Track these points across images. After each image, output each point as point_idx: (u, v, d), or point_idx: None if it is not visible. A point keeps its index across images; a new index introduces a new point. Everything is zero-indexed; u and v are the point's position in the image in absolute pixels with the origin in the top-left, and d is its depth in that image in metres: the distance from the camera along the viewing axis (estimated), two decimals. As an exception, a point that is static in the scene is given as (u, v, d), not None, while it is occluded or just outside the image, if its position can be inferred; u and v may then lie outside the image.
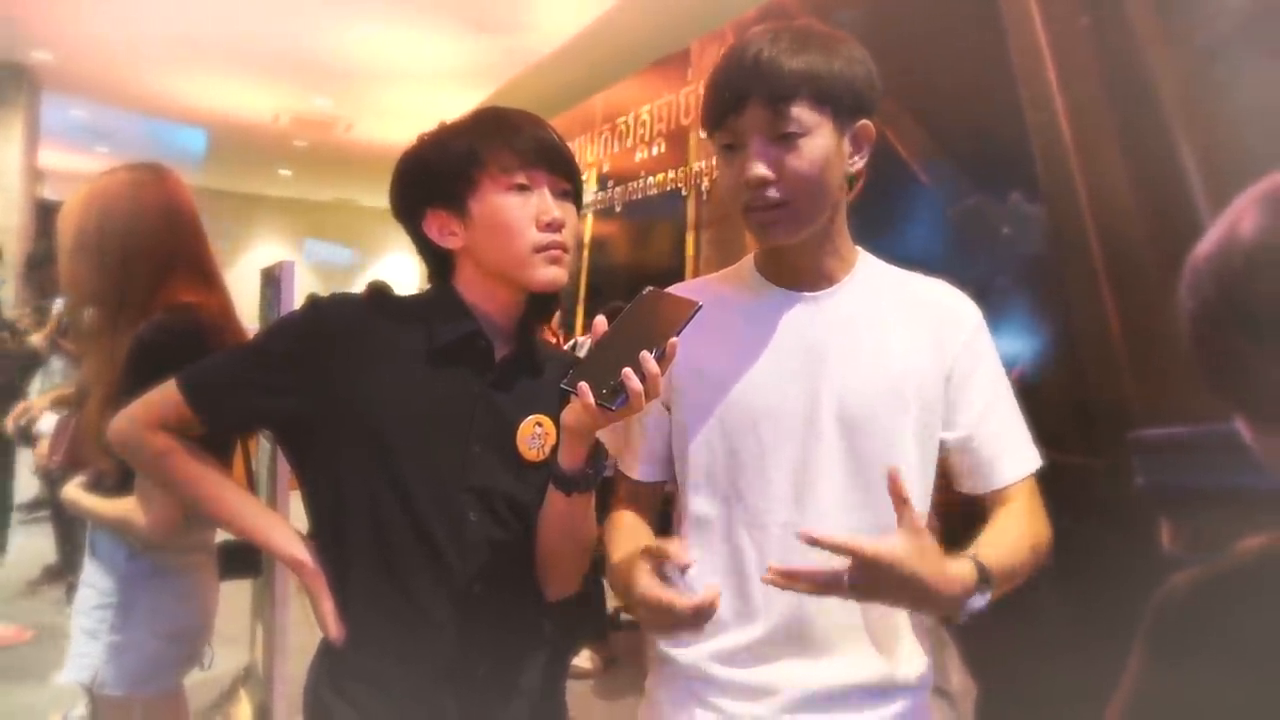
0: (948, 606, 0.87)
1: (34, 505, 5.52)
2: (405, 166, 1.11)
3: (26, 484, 5.62)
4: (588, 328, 4.44)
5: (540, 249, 1.05)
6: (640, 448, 1.12)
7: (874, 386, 1.01)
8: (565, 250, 1.07)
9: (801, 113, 0.95)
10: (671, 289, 1.14)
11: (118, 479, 1.54)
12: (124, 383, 1.37)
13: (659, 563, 0.89)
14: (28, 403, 2.15)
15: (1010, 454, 1.06)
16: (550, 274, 1.06)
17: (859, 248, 1.11)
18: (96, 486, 1.59)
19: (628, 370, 0.87)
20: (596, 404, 0.88)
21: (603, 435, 1.09)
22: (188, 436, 1.09)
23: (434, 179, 1.08)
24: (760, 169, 0.96)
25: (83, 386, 1.67)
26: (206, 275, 1.60)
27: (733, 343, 1.05)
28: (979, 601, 0.88)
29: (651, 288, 1.00)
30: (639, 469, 1.14)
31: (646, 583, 0.88)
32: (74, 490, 1.62)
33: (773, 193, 0.97)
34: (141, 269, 1.51)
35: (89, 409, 1.56)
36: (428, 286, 1.18)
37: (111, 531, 1.59)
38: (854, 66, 0.99)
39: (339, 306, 1.09)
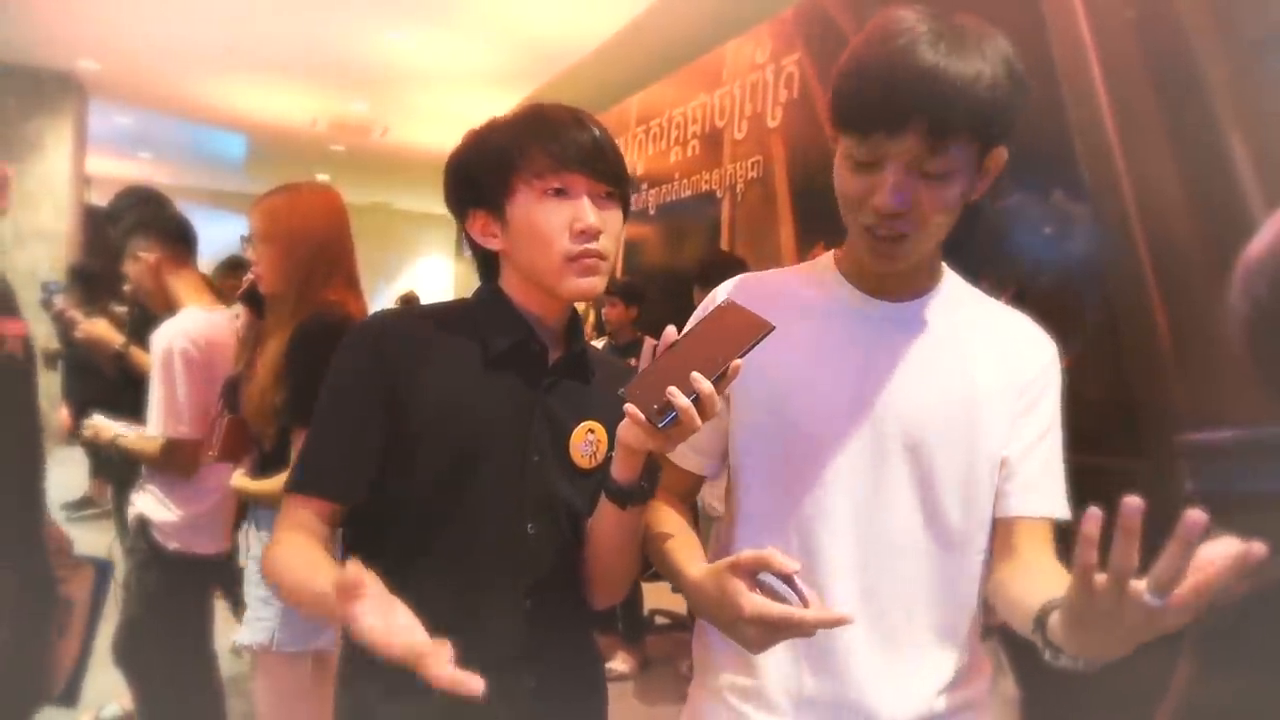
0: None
1: (80, 504, 5.65)
2: (451, 165, 1.08)
3: (75, 484, 5.75)
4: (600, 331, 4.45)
5: (573, 258, 1.00)
6: (696, 437, 1.03)
7: (946, 409, 0.98)
8: (602, 258, 1.02)
9: (954, 153, 0.87)
10: (751, 276, 1.10)
11: (276, 459, 1.74)
12: (286, 363, 1.65)
13: (752, 574, 0.82)
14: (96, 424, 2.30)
15: (1046, 491, 1.00)
16: (583, 284, 1.02)
17: (944, 264, 1.07)
18: (260, 470, 1.81)
19: (672, 389, 0.84)
20: (646, 420, 0.86)
21: None
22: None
23: (473, 180, 1.05)
24: (899, 204, 0.88)
25: (232, 380, 1.91)
26: (351, 279, 1.84)
27: (804, 345, 1.01)
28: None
29: (731, 300, 0.95)
30: (690, 458, 1.09)
31: (751, 601, 0.80)
32: (240, 479, 1.86)
33: (903, 225, 0.90)
34: (317, 271, 1.77)
35: (258, 385, 1.75)
36: (477, 287, 1.15)
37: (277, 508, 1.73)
38: (1014, 87, 0.89)
39: (387, 323, 1.06)
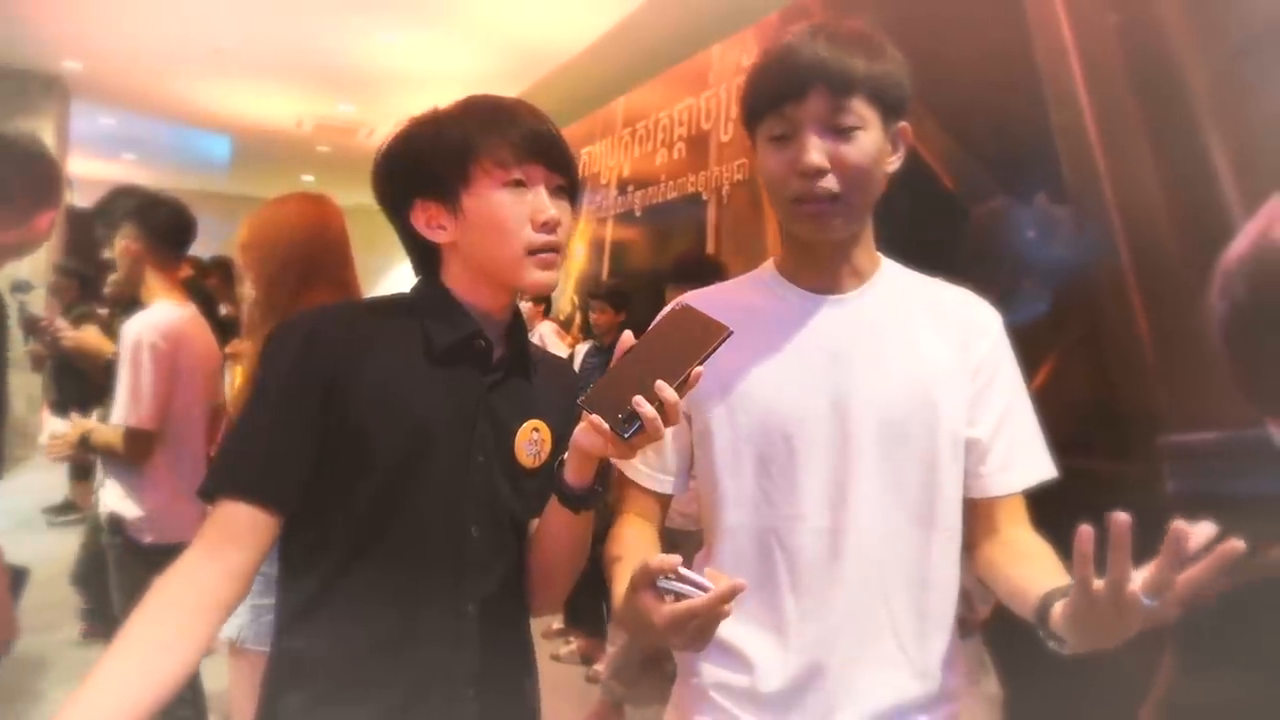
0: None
1: (63, 509, 5.60)
2: (395, 153, 1.03)
3: (56, 488, 5.70)
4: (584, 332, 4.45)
5: (534, 250, 0.99)
6: (656, 458, 1.10)
7: (905, 392, 1.01)
8: (559, 252, 1.01)
9: (860, 107, 0.96)
10: (691, 295, 1.12)
11: None
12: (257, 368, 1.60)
13: (651, 584, 0.81)
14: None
15: (1021, 465, 1.04)
16: (542, 278, 1.00)
17: (879, 253, 1.10)
18: None
19: (638, 398, 0.83)
20: (611, 430, 0.84)
21: None
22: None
23: (425, 168, 1.00)
24: (818, 158, 0.96)
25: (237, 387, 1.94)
26: (344, 286, 1.84)
27: (757, 349, 1.03)
28: None
29: (683, 303, 0.96)
30: (654, 480, 1.10)
31: (660, 611, 0.80)
32: None
33: (828, 183, 0.97)
34: (289, 276, 1.79)
35: (237, 390, 1.78)
36: (415, 283, 1.09)
37: None
38: (898, 68, 1.00)
39: (321, 317, 1.01)
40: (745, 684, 1.02)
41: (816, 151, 0.96)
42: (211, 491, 0.94)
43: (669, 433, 0.98)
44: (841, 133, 0.96)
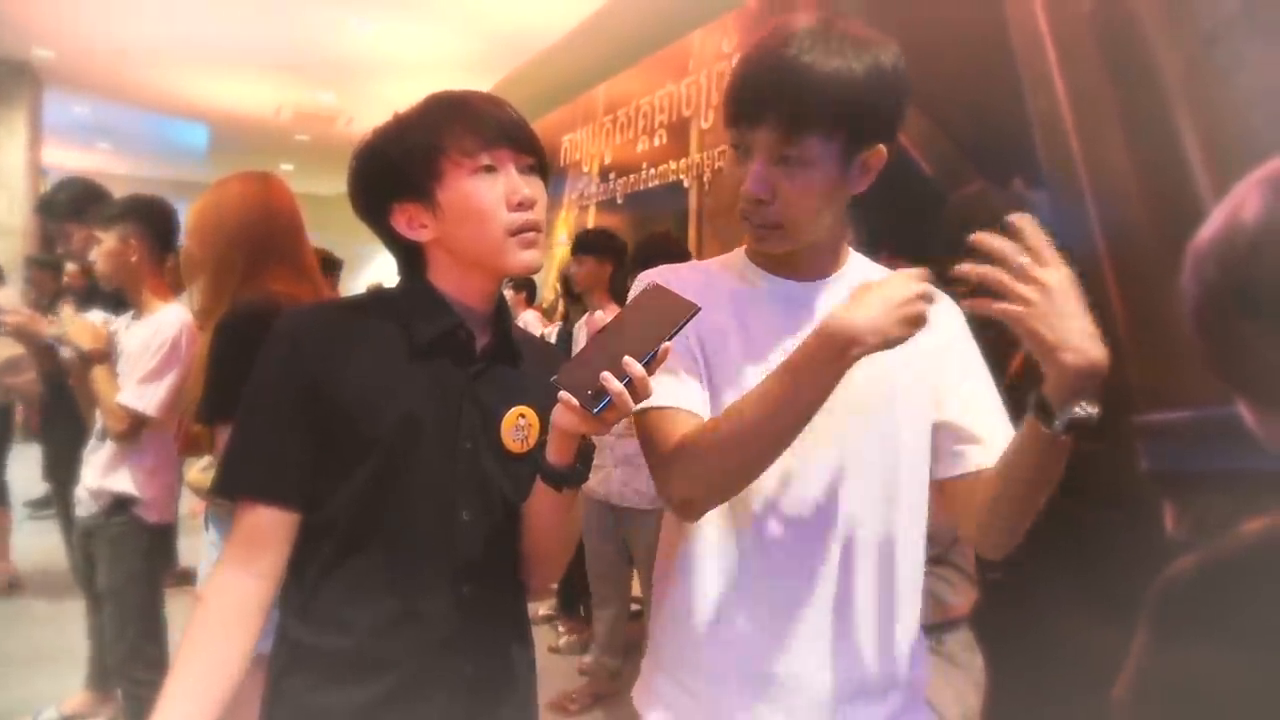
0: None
1: (43, 503, 5.55)
2: (365, 162, 1.07)
3: (38, 481, 5.65)
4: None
5: (515, 231, 1.01)
6: (686, 392, 1.03)
7: (865, 376, 0.97)
8: (539, 230, 1.04)
9: (811, 143, 0.93)
10: (668, 268, 1.13)
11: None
12: (209, 357, 1.61)
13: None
14: None
15: (992, 440, 1.02)
16: (527, 257, 1.03)
17: (849, 248, 1.11)
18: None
19: (606, 374, 0.86)
20: (581, 406, 0.87)
21: (661, 382, 1.01)
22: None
23: (397, 172, 1.03)
24: (757, 191, 0.96)
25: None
26: (298, 267, 1.79)
27: (724, 329, 1.05)
28: None
29: (654, 282, 0.98)
30: (693, 401, 1.03)
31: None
32: (196, 475, 1.88)
33: (764, 215, 0.98)
34: (237, 259, 1.73)
35: (191, 384, 1.77)
36: (398, 281, 1.12)
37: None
38: (882, 87, 0.94)
39: (304, 317, 1.05)
40: (706, 662, 1.04)
41: (758, 182, 0.96)
42: (228, 491, 1.01)
43: (693, 370, 1.03)
44: (786, 162, 0.95)
